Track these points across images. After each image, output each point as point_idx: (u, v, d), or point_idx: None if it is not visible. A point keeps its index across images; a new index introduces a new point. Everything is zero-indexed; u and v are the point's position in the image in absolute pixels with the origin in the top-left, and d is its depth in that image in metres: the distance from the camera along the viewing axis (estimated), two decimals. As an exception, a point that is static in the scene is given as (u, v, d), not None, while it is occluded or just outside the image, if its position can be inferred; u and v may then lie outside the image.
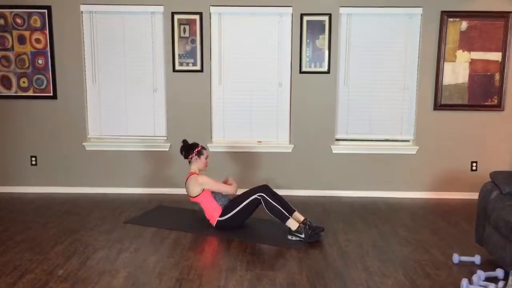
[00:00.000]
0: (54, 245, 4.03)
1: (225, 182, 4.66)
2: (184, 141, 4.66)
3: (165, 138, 5.78)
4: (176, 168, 5.70)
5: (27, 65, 5.58)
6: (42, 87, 5.62)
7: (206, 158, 4.60)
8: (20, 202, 5.38)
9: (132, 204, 5.31)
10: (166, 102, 5.69)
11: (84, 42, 5.61)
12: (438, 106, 5.61)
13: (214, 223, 4.46)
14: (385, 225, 4.69)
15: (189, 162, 4.61)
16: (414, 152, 5.70)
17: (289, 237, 4.22)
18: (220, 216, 4.42)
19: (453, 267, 3.68)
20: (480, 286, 3.27)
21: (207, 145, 5.57)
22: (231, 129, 5.77)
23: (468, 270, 3.60)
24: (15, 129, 5.71)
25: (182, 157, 5.53)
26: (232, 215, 4.39)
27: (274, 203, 4.25)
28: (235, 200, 4.47)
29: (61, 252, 3.89)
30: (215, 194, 4.49)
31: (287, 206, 4.34)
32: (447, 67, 5.54)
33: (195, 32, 5.51)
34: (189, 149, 4.60)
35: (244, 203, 4.36)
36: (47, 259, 3.73)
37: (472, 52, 5.52)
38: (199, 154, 4.58)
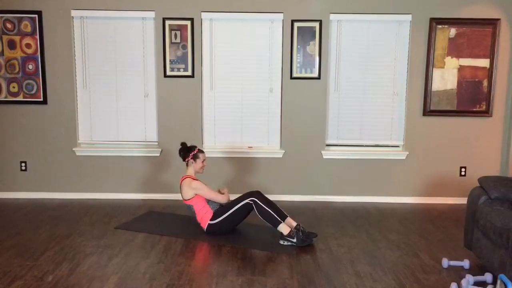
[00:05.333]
0: (44, 251, 4.01)
1: (219, 192, 4.67)
2: (183, 144, 4.68)
3: (156, 143, 5.77)
4: (167, 173, 5.70)
5: (17, 70, 5.56)
6: (32, 92, 5.60)
7: (202, 162, 4.61)
8: (9, 207, 5.34)
9: (123, 209, 5.29)
10: (157, 107, 5.70)
11: (74, 47, 5.60)
12: (427, 112, 5.66)
13: (205, 227, 4.46)
14: (375, 230, 4.72)
15: (186, 164, 4.63)
16: (404, 158, 5.75)
17: (281, 242, 4.23)
18: (211, 220, 4.43)
19: (442, 271, 3.71)
20: (469, 290, 3.31)
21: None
22: (222, 134, 5.78)
23: (457, 274, 3.64)
24: (4, 134, 5.68)
25: (173, 162, 5.57)
26: (223, 219, 4.40)
27: (266, 208, 4.27)
28: (226, 205, 4.48)
29: (51, 258, 3.87)
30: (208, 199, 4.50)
31: (279, 211, 4.35)
32: (436, 73, 5.60)
33: (186, 38, 5.53)
34: (186, 152, 4.62)
35: (236, 207, 4.37)
36: (37, 265, 3.71)
37: (460, 59, 5.58)
38: (195, 157, 4.59)
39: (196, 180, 4.54)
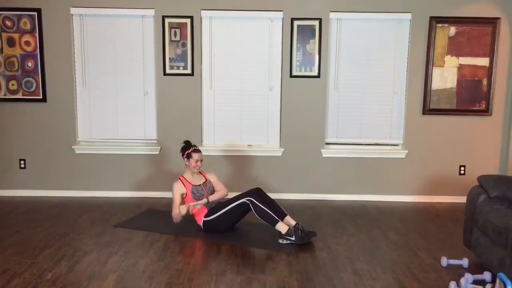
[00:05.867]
0: (43, 249, 4.00)
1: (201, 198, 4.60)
2: (185, 142, 4.68)
3: (156, 141, 5.77)
4: (166, 171, 5.69)
5: (16, 67, 5.55)
6: (32, 90, 5.59)
7: (196, 162, 4.60)
8: (8, 205, 5.33)
9: (122, 207, 5.29)
10: (156, 105, 5.69)
11: (74, 45, 5.59)
12: (427, 110, 5.66)
13: (201, 224, 4.47)
14: (375, 228, 4.72)
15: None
16: (403, 156, 5.74)
17: (280, 240, 4.22)
18: (205, 216, 4.43)
19: (442, 270, 3.71)
20: (468, 289, 3.31)
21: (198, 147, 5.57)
22: (222, 133, 5.78)
23: (456, 273, 3.64)
24: (4, 132, 5.67)
25: (172, 161, 5.57)
26: (218, 216, 4.39)
27: (263, 207, 4.25)
28: (222, 202, 4.48)
29: (50, 255, 3.87)
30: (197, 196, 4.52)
31: (278, 210, 4.35)
32: (436, 72, 5.60)
33: (186, 36, 5.52)
34: (182, 150, 4.63)
35: (231, 205, 4.37)
36: (36, 263, 3.71)
37: (460, 58, 5.58)
38: (188, 157, 4.60)
39: (178, 183, 4.55)
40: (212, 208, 4.47)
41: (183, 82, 5.61)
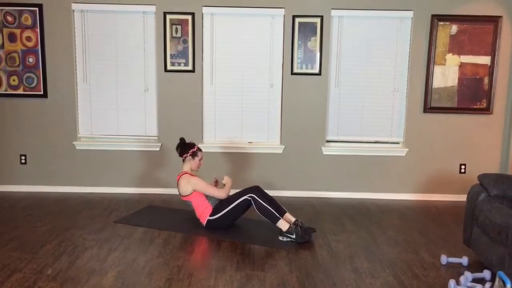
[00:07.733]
0: (43, 244, 4.01)
1: (215, 183, 4.68)
2: (182, 139, 4.67)
3: (156, 138, 5.77)
4: (167, 168, 5.70)
5: (17, 63, 5.55)
6: (33, 85, 5.59)
7: (200, 160, 4.61)
8: (9, 201, 5.34)
9: (122, 203, 5.29)
10: (157, 102, 5.69)
11: (75, 41, 5.59)
12: (428, 108, 5.66)
13: (204, 223, 4.46)
14: (375, 226, 4.72)
15: (183, 160, 4.62)
16: (404, 154, 5.74)
17: (280, 238, 4.23)
18: (210, 215, 4.43)
19: (441, 268, 3.72)
20: (467, 287, 3.31)
21: (198, 145, 5.56)
22: (222, 130, 5.78)
23: (456, 271, 3.64)
24: (5, 127, 5.67)
25: (173, 157, 5.56)
26: (222, 214, 4.40)
27: (264, 204, 4.26)
28: (225, 200, 4.48)
29: (50, 251, 3.87)
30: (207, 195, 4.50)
31: (278, 207, 4.36)
32: (437, 70, 5.59)
33: (187, 32, 5.52)
34: (184, 148, 4.61)
35: (235, 203, 4.37)
36: (36, 258, 3.72)
37: (461, 56, 5.57)
38: (194, 155, 4.59)
39: (195, 176, 4.54)
40: (216, 206, 4.47)
41: (184, 79, 5.61)
